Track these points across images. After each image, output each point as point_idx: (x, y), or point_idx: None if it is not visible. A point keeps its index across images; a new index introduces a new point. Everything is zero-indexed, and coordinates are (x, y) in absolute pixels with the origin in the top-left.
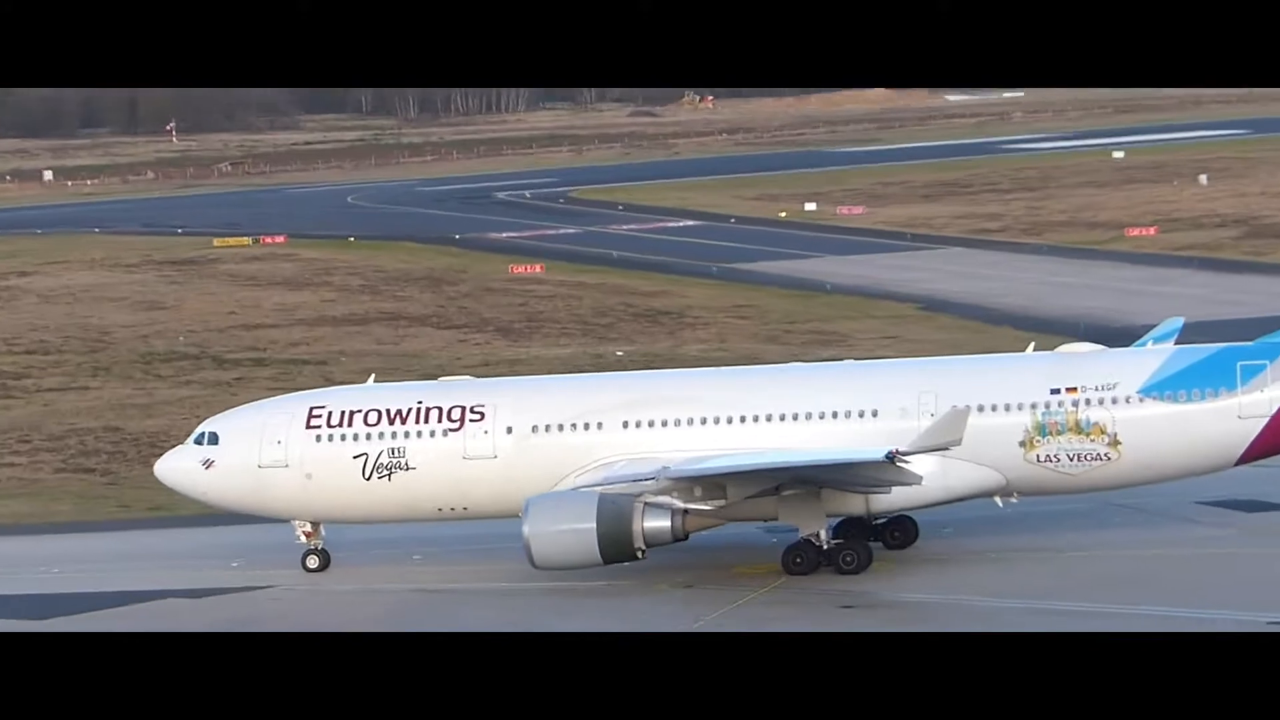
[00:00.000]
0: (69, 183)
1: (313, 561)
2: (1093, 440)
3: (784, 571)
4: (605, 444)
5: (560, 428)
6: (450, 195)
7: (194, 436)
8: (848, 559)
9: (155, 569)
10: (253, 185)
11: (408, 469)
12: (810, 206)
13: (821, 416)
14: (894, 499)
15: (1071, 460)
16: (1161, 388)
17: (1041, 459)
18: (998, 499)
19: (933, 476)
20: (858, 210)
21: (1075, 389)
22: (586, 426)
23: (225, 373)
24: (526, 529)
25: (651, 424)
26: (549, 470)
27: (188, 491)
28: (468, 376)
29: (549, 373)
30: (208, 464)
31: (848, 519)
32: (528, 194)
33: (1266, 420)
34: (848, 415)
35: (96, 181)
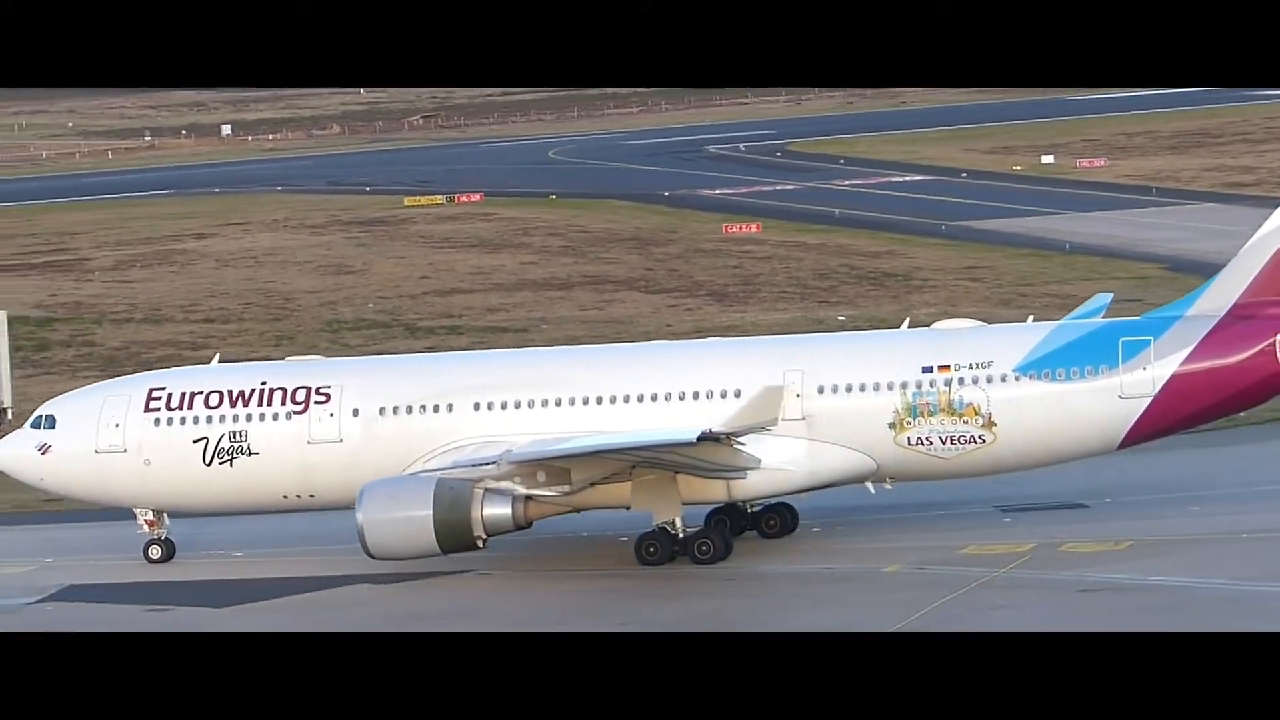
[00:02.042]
0: (249, 138)
1: (155, 552)
2: (966, 422)
3: (638, 562)
4: (456, 427)
5: (409, 410)
6: (659, 149)
7: (31, 420)
8: (703, 548)
9: (344, 553)
10: (446, 139)
11: (250, 454)
12: (1047, 159)
13: (682, 397)
14: (757, 485)
15: (944, 443)
16: (1039, 366)
17: (912, 441)
18: (869, 484)
19: (799, 461)
20: (1099, 162)
21: (948, 367)
22: (436, 409)
23: (418, 341)
24: (360, 516)
25: (504, 406)
26: (397, 455)
27: (25, 478)
28: (317, 356)
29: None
30: (44, 449)
31: (725, 508)
32: (742, 147)
33: (1150, 400)
34: (710, 396)
35: (278, 136)
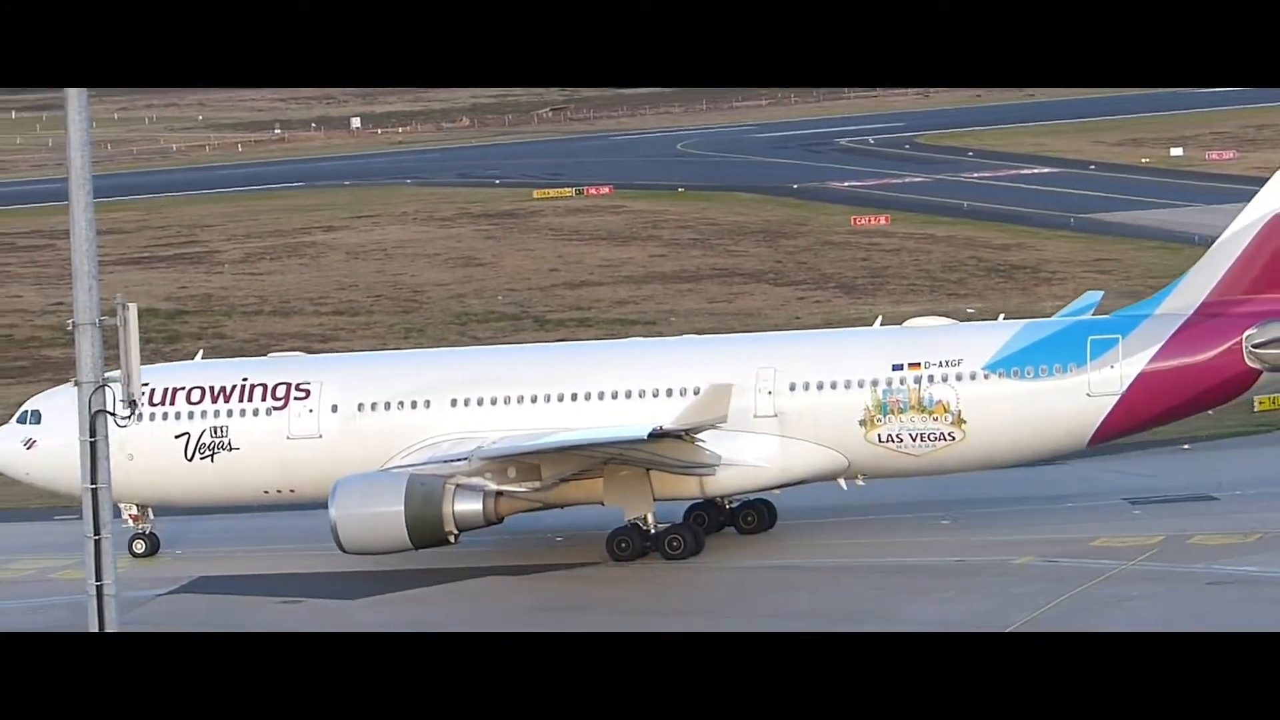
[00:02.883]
0: (378, 131)
1: (139, 546)
2: (936, 419)
3: (609, 558)
4: (433, 423)
5: (387, 406)
6: (787, 141)
7: (17, 415)
8: (674, 544)
9: (482, 544)
10: (575, 132)
11: (231, 449)
12: (1176, 152)
13: (655, 394)
14: (728, 482)
15: (914, 440)
16: (1008, 364)
17: (883, 439)
18: (841, 481)
19: (770, 458)
20: (1227, 155)
21: (918, 365)
22: (414, 405)
23: (547, 334)
24: (333, 511)
25: (480, 402)
26: (375, 451)
27: (12, 473)
28: (298, 353)
29: None
30: (29, 444)
31: (703, 504)
32: (871, 139)
33: (1118, 398)
34: (683, 392)
35: (408, 129)
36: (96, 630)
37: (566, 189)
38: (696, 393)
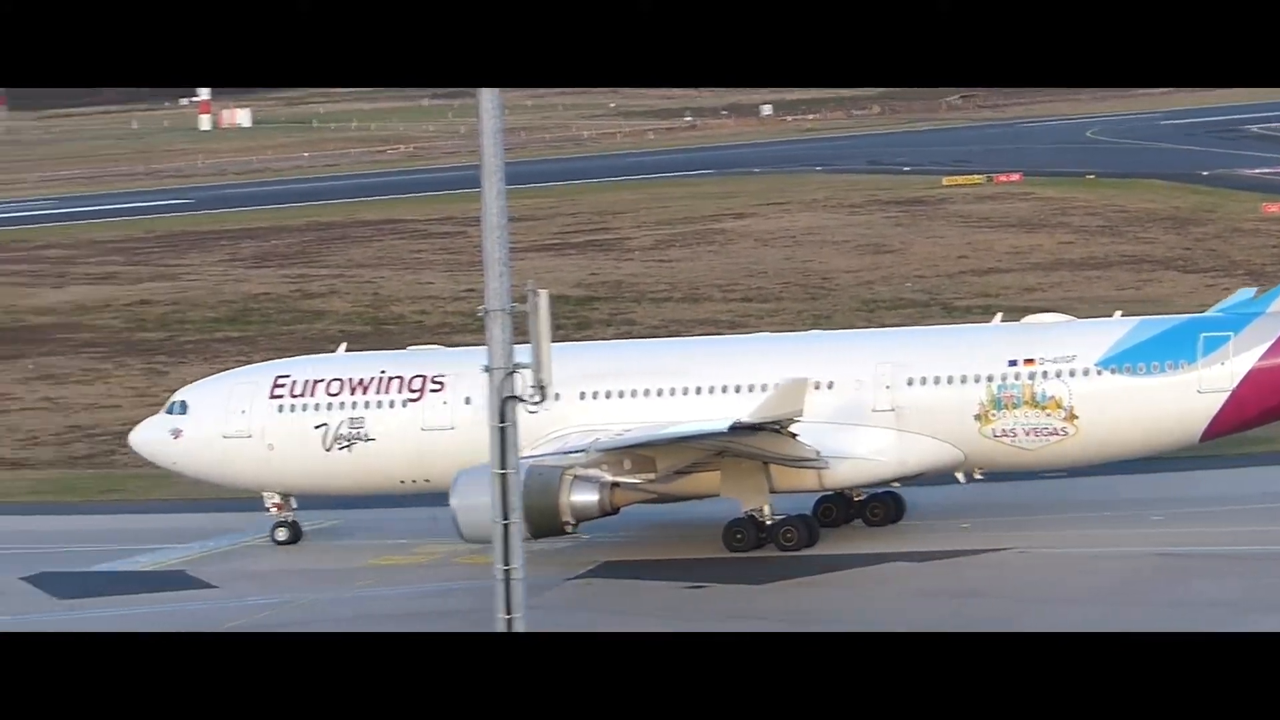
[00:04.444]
0: (789, 118)
1: (282, 534)
2: (1049, 414)
3: (726, 549)
4: (563, 416)
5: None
6: (1197, 129)
7: (166, 406)
8: (788, 535)
9: (885, 530)
10: (984, 119)
11: (367, 440)
12: None
13: (777, 388)
14: (846, 474)
15: (1028, 435)
16: (1120, 360)
17: (997, 434)
18: (959, 475)
19: (888, 452)
20: None
21: (1033, 361)
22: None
23: (954, 321)
24: (453, 501)
25: (609, 395)
26: None
27: (160, 462)
28: (436, 346)
29: None
30: (176, 434)
31: (832, 497)
32: None
33: (1228, 395)
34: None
35: (818, 116)
36: (504, 614)
37: (976, 176)
38: (815, 387)
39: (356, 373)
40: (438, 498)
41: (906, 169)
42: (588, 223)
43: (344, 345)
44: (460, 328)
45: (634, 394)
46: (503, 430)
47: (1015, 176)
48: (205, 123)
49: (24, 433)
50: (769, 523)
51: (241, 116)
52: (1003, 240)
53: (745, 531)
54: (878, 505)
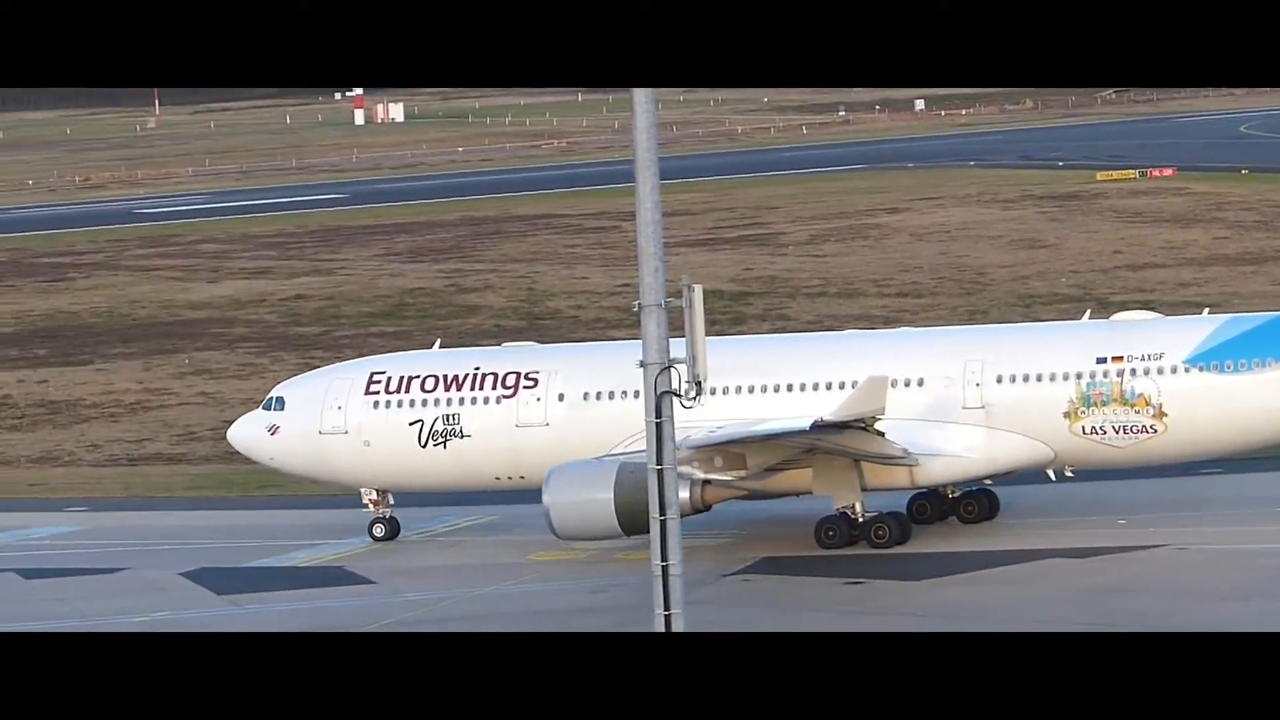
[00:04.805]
0: (942, 113)
1: (379, 530)
2: (1138, 412)
3: (818, 546)
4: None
5: (610, 395)
6: None
7: (264, 402)
8: (880, 532)
9: (1039, 526)
10: (1138, 114)
11: (462, 436)
12: None
13: (858, 386)
14: (937, 472)
15: (1117, 432)
16: (1208, 358)
17: (1087, 431)
18: (1050, 472)
19: (977, 449)
20: None
21: (1121, 358)
22: (637, 394)
23: (1106, 311)
24: (546, 498)
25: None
26: (599, 438)
27: (257, 457)
28: (530, 343)
29: None
30: (273, 430)
31: (926, 494)
32: None
33: None
34: (894, 384)
35: (971, 111)
36: (663, 610)
37: (1129, 171)
38: (905, 385)
39: (451, 369)
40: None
41: (1060, 164)
42: (742, 218)
43: (438, 341)
44: (615, 323)
45: (725, 391)
46: (659, 425)
47: (1169, 171)
48: (359, 117)
49: (181, 428)
50: (861, 520)
51: (395, 111)
52: (1157, 235)
53: (837, 528)
54: (971, 502)
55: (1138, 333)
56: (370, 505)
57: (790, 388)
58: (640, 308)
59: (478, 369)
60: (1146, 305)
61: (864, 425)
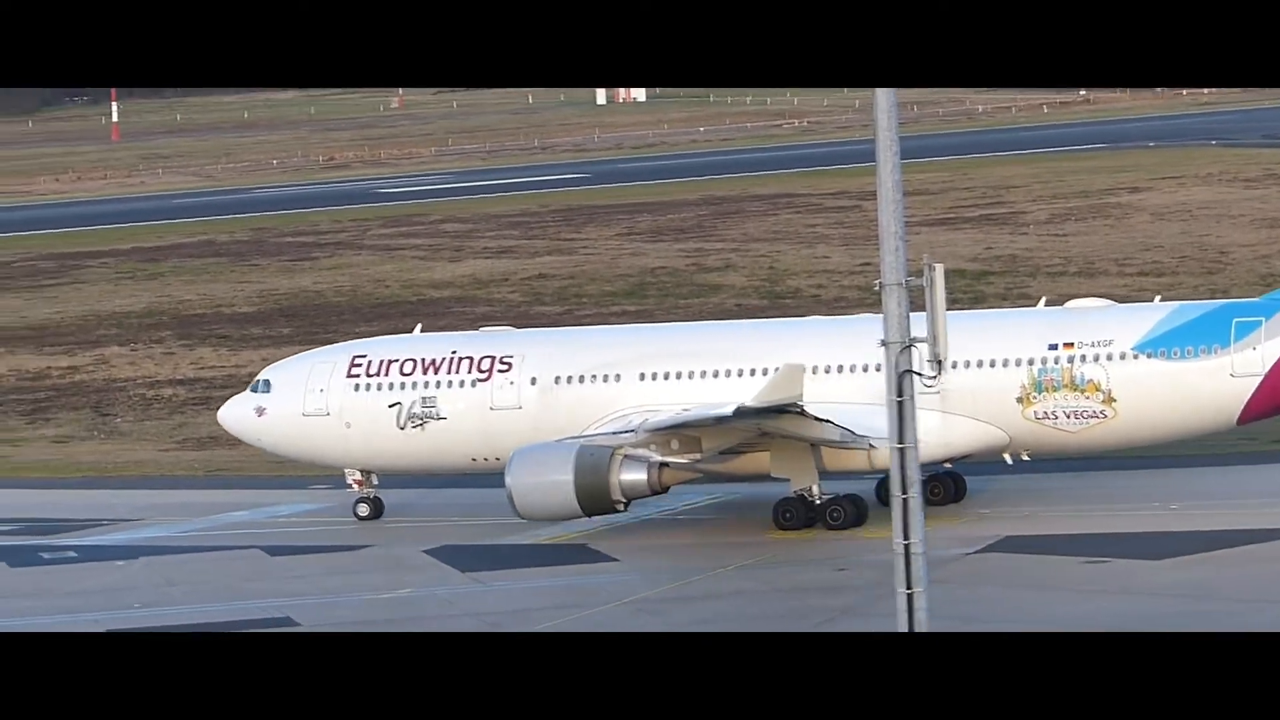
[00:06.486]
0: (1183, 92)
1: (363, 509)
2: (1088, 397)
3: (775, 527)
4: (622, 396)
5: (581, 379)
6: None
7: (251, 384)
8: (834, 514)
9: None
10: None
11: (439, 419)
12: None
13: (828, 370)
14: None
15: (1069, 417)
16: (1156, 345)
17: (1039, 416)
18: (1006, 456)
19: (932, 433)
20: None
21: (1072, 344)
22: (605, 378)
23: None
24: (509, 480)
25: (666, 376)
26: (571, 422)
27: (245, 438)
28: (508, 327)
29: None
30: (260, 411)
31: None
32: None
33: (1260, 379)
34: (852, 370)
35: (1213, 90)
36: (904, 589)
37: None
38: (864, 370)
39: (429, 353)
40: None
41: None
42: (982, 197)
43: (419, 325)
44: (856, 302)
45: (690, 375)
46: (900, 404)
47: None
48: (601, 97)
49: None
50: (818, 502)
51: (637, 91)
52: None
53: (794, 510)
54: (937, 485)
55: (1089, 320)
56: (354, 485)
57: (751, 373)
58: (881, 287)
59: (454, 352)
60: None
61: (799, 410)
